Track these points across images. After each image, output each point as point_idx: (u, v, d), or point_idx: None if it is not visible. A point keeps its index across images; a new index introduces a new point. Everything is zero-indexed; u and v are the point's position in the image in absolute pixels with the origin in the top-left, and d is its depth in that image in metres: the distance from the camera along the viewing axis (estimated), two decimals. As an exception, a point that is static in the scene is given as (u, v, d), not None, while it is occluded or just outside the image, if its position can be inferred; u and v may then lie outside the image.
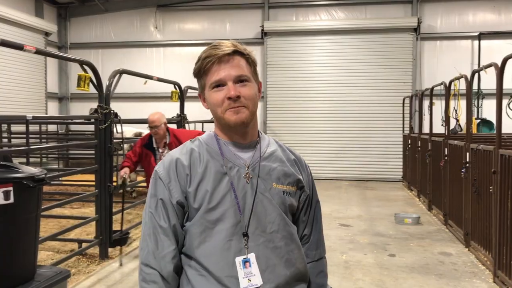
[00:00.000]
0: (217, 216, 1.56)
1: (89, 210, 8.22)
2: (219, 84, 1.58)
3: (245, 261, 1.54)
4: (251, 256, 1.55)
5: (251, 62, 1.64)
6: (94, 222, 5.97)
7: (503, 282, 4.85)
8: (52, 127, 13.80)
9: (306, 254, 1.76)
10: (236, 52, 1.59)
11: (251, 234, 1.57)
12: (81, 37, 15.20)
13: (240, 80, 1.58)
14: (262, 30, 13.70)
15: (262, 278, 1.54)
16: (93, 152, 6.25)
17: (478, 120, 12.43)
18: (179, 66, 14.29)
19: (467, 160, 6.21)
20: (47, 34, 13.94)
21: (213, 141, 1.67)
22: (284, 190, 1.66)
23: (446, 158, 7.52)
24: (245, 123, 1.60)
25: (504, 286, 4.81)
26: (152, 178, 1.66)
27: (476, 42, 13.00)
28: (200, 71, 1.61)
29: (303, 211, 1.76)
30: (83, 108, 14.07)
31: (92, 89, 5.66)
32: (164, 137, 5.40)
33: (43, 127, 12.70)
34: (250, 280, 1.53)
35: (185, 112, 8.63)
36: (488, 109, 12.23)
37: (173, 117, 8.62)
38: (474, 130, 11.19)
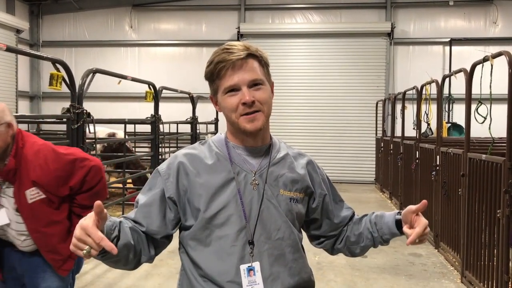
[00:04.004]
0: (221, 221, 1.55)
1: (60, 211, 8.07)
2: (233, 89, 1.56)
3: (250, 269, 1.53)
4: (256, 265, 1.54)
5: (264, 64, 1.63)
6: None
7: (470, 282, 4.97)
8: (22, 126, 13.51)
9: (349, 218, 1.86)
10: (249, 55, 1.57)
11: (256, 241, 1.56)
12: (54, 35, 14.95)
13: (254, 84, 1.56)
14: (238, 32, 13.72)
15: (264, 286, 1.54)
16: (65, 152, 6.14)
17: (449, 124, 12.71)
18: (154, 66, 14.19)
19: (437, 163, 6.34)
20: (18, 31, 13.66)
21: (222, 145, 1.66)
22: (291, 197, 1.65)
23: (417, 161, 7.66)
24: (261, 130, 1.60)
25: (471, 286, 4.94)
26: (152, 175, 1.68)
27: (447, 48, 13.31)
28: (213, 75, 1.58)
29: (329, 206, 1.81)
30: (55, 108, 13.81)
31: (64, 88, 5.57)
32: (5, 157, 2.60)
33: (13, 126, 12.42)
34: None
35: (159, 113, 8.56)
36: (458, 113, 12.51)
37: (147, 117, 8.56)
38: (445, 134, 11.43)
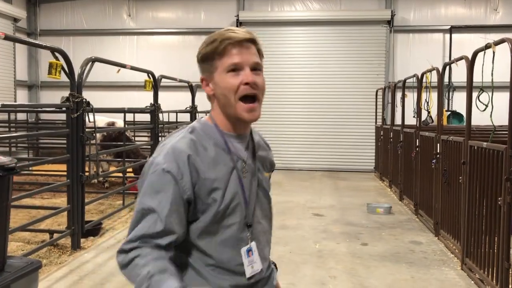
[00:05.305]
0: (230, 211, 1.57)
1: (60, 201, 8.08)
2: (235, 68, 1.53)
3: (249, 250, 1.61)
4: (253, 245, 1.62)
5: (261, 55, 1.62)
6: (65, 213, 5.87)
7: (471, 269, 4.99)
8: (21, 116, 13.47)
9: None
10: (252, 41, 1.57)
11: (253, 223, 1.64)
12: (52, 24, 14.84)
13: (255, 68, 1.55)
14: (237, 20, 13.62)
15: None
16: (63, 141, 6.15)
17: (449, 112, 12.69)
18: (152, 54, 14.12)
19: (438, 151, 6.34)
20: (15, 20, 13.57)
21: (215, 133, 1.61)
22: (270, 176, 1.78)
23: (417, 149, 7.66)
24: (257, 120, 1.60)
25: (471, 273, 4.96)
26: (155, 173, 1.51)
27: (447, 36, 13.25)
28: (214, 53, 1.54)
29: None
30: (54, 97, 13.78)
31: (63, 78, 5.54)
32: None
33: (12, 116, 12.40)
34: (253, 267, 1.61)
35: (159, 102, 8.53)
36: (458, 101, 12.49)
37: (146, 106, 8.53)
38: (445, 122, 11.42)
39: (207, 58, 1.57)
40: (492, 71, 4.58)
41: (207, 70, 1.59)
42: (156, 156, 1.55)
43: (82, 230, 5.86)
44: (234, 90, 1.53)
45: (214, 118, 1.63)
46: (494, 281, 4.38)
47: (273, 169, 1.84)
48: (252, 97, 1.55)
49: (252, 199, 1.63)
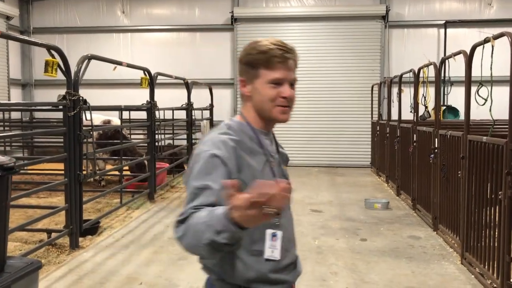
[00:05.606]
0: None
1: (56, 200, 8.03)
2: (276, 83, 1.76)
3: (274, 235, 1.76)
4: (279, 233, 1.77)
5: (296, 65, 1.84)
6: (62, 212, 5.83)
7: (470, 263, 5.00)
8: (15, 115, 13.36)
9: None
10: (295, 58, 1.82)
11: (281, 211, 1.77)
12: (45, 21, 14.71)
13: (292, 83, 1.81)
14: (232, 16, 13.57)
15: (282, 246, 1.76)
16: (59, 139, 6.10)
17: (444, 107, 12.70)
18: (147, 51, 14.04)
19: (436, 146, 6.34)
20: (8, 18, 13.44)
21: (248, 129, 1.82)
22: (286, 169, 1.98)
23: (414, 144, 7.66)
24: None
25: (471, 267, 4.97)
26: (204, 159, 1.66)
27: (442, 30, 13.26)
28: (261, 64, 1.75)
29: None
30: (48, 95, 13.66)
31: (58, 76, 5.48)
32: None
33: (5, 115, 12.31)
34: (272, 252, 1.75)
35: (155, 99, 8.49)
36: (453, 96, 12.51)
37: (142, 104, 8.48)
38: (440, 117, 11.43)
39: (252, 65, 1.78)
40: (491, 65, 4.58)
41: (249, 73, 1.80)
42: (200, 147, 1.72)
43: (80, 229, 5.82)
44: (273, 99, 1.77)
45: (246, 116, 1.85)
46: (494, 275, 4.39)
47: (288, 163, 2.05)
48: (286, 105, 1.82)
49: None
